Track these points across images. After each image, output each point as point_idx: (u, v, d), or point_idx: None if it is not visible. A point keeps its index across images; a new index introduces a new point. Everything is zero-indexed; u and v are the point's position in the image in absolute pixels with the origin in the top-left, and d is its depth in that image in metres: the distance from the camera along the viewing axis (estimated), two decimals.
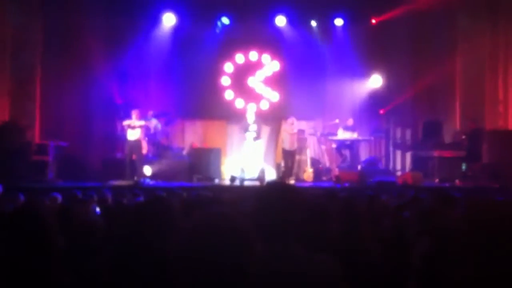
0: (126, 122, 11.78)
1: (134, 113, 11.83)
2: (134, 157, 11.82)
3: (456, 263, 1.91)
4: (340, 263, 2.04)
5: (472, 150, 11.97)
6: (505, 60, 13.06)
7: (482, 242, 2.27)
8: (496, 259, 2.13)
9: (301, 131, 13.23)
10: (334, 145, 13.32)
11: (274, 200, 1.91)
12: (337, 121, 13.25)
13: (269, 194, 1.94)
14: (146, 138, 12.39)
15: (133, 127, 11.69)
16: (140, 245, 2.37)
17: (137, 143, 11.81)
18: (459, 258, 1.90)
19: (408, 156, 13.75)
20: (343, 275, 2.03)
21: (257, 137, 12.78)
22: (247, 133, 12.71)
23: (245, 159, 12.67)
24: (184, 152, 13.11)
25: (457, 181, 11.71)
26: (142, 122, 11.88)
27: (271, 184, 2.12)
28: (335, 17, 14.05)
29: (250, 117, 12.82)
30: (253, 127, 12.73)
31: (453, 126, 13.67)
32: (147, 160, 12.19)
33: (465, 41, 13.48)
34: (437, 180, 11.87)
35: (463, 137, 12.65)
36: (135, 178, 11.35)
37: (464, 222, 2.86)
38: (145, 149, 12.22)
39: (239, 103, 14.05)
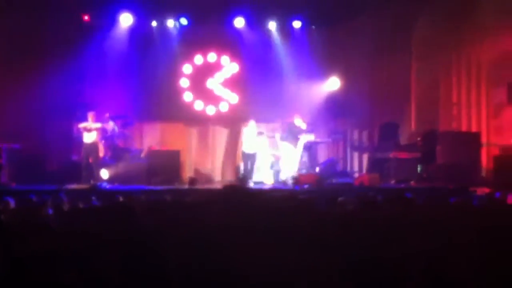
0: (82, 125, 11.58)
1: (90, 115, 11.64)
2: (90, 160, 11.62)
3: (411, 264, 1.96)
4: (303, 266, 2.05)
5: (427, 152, 12.24)
6: (458, 63, 13.43)
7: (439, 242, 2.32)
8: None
9: (260, 133, 13.26)
10: None
11: (231, 204, 1.91)
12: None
13: (226, 198, 1.94)
14: (103, 141, 12.20)
15: (90, 130, 11.51)
16: (100, 249, 2.34)
17: (94, 146, 11.63)
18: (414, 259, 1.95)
19: (365, 157, 13.96)
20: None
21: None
22: (301, 136, 12.66)
23: (295, 161, 12.63)
24: (142, 155, 12.95)
25: (412, 182, 11.96)
26: (99, 125, 11.70)
27: (228, 188, 2.12)
28: (293, 19, 14.15)
29: (298, 121, 12.77)
30: (303, 132, 12.74)
31: (409, 128, 13.99)
32: (104, 163, 12.00)
33: (420, 44, 13.82)
34: (393, 182, 12.09)
35: (418, 139, 12.95)
36: (92, 181, 11.16)
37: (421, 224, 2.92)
38: (102, 152, 12.03)
39: (198, 105, 13.99)
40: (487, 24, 12.69)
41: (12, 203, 6.71)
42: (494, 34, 12.44)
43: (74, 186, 10.69)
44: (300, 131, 12.73)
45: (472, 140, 12.23)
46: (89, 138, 11.58)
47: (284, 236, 1.90)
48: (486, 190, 10.08)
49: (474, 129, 12.97)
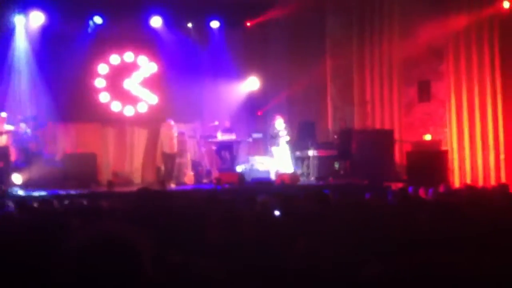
0: None
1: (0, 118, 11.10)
2: (1, 164, 11.06)
3: (333, 262, 2.00)
4: (219, 268, 2.04)
5: (342, 149, 12.59)
6: (371, 63, 13.91)
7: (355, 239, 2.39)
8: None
9: (181, 134, 13.15)
10: (214, 147, 13.38)
11: (143, 207, 1.87)
12: (216, 123, 13.34)
13: (138, 201, 1.90)
14: (14, 144, 11.64)
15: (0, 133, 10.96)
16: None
17: (4, 149, 11.08)
18: (336, 256, 1.99)
19: None
20: (221, 279, 2.03)
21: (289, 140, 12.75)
22: (280, 138, 12.59)
23: (278, 163, 12.58)
24: (57, 158, 12.48)
25: (331, 179, 12.26)
26: (10, 127, 11.16)
27: (140, 191, 2.08)
28: (211, 20, 14.12)
29: (279, 123, 12.67)
30: (283, 132, 12.63)
31: (325, 126, 14.34)
32: (16, 168, 11.45)
33: (334, 45, 14.23)
34: (313, 179, 12.35)
35: (335, 136, 13.30)
36: (3, 187, 10.62)
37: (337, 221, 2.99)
38: (13, 155, 11.47)
39: (116, 106, 13.66)
40: (397, 24, 13.24)
41: None
42: (404, 34, 12.98)
43: None
44: (279, 132, 12.77)
45: (385, 137, 12.68)
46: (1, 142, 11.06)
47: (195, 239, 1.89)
48: (399, 185, 10.52)
49: (387, 126, 13.46)
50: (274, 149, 12.79)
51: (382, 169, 11.82)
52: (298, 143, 13.31)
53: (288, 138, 12.86)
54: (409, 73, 13.35)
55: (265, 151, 14.29)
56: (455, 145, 12.39)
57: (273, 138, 12.85)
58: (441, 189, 7.82)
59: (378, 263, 1.55)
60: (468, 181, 11.84)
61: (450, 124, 12.50)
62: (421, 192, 7.87)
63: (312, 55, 14.23)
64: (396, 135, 13.01)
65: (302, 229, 3.32)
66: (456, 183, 11.75)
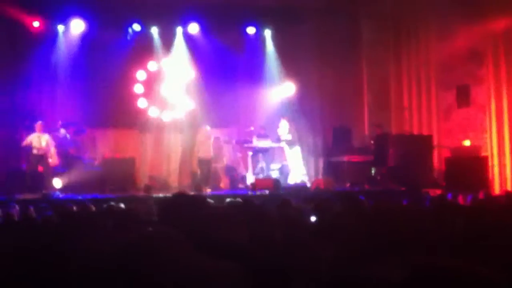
0: (27, 142, 11.30)
1: (38, 126, 11.37)
2: (41, 169, 11.35)
3: (360, 267, 1.98)
4: (248, 270, 2.05)
5: (379, 155, 12.45)
6: (408, 67, 13.75)
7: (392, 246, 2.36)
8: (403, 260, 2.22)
9: (216, 139, 13.24)
10: (249, 153, 13.42)
11: (177, 210, 1.90)
12: (252, 128, 13.38)
13: (172, 205, 1.93)
14: (55, 149, 11.92)
15: (39, 147, 11.25)
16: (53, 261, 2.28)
17: (44, 154, 11.36)
18: (362, 262, 1.98)
19: (320, 161, 14.11)
20: (249, 282, 2.04)
21: (292, 143, 12.81)
22: (281, 143, 12.76)
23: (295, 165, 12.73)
24: (96, 163, 12.72)
25: (366, 185, 12.14)
26: (46, 137, 11.43)
27: (176, 195, 2.11)
28: (247, 26, 14.21)
29: (283, 126, 12.74)
30: (287, 136, 12.78)
31: (361, 131, 14.21)
32: (56, 172, 11.72)
33: (370, 49, 14.10)
34: (348, 185, 12.25)
35: (371, 142, 13.17)
36: (43, 191, 10.88)
37: (370, 226, 2.96)
38: (54, 160, 11.75)
39: (153, 111, 13.86)
40: (434, 27, 13.05)
41: None
42: (442, 38, 12.78)
43: (24, 195, 10.40)
44: (281, 136, 12.83)
45: (423, 143, 12.49)
46: (38, 148, 11.34)
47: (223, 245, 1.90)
48: (438, 191, 10.35)
49: (425, 132, 13.26)
50: (288, 150, 12.79)
51: (420, 175, 11.65)
52: (333, 148, 13.23)
53: (289, 138, 12.81)
54: (447, 78, 13.12)
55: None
56: (495, 151, 12.10)
57: (277, 141, 12.86)
58: (481, 195, 7.68)
59: (408, 267, 1.53)
60: (509, 187, 11.55)
61: (490, 130, 12.21)
62: (460, 199, 7.74)
63: (347, 60, 14.13)
64: (435, 141, 12.81)
65: (337, 235, 3.30)
66: (496, 190, 11.48)
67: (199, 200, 2.01)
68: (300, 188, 11.78)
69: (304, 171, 12.78)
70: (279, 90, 14.34)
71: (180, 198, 2.03)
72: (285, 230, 3.83)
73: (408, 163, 11.96)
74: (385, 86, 13.98)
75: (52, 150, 11.67)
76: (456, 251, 2.52)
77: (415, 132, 13.53)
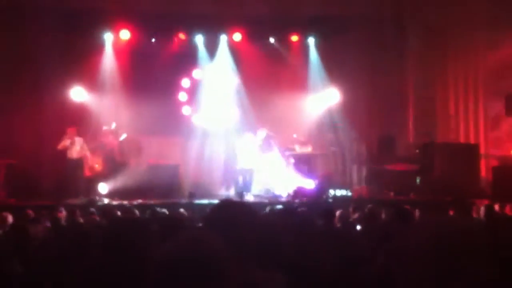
0: (63, 146, 11.62)
1: (71, 131, 11.67)
2: (82, 174, 11.64)
3: (414, 280, 1.94)
4: (293, 280, 2.05)
5: (425, 164, 12.23)
6: (455, 75, 13.47)
7: (439, 257, 2.31)
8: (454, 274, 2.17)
9: (259, 147, 13.25)
10: (291, 160, 13.38)
11: (224, 217, 1.90)
12: (294, 136, 13.35)
13: (219, 212, 1.94)
14: (101, 155, 12.19)
15: (70, 147, 11.58)
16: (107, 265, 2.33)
17: (79, 160, 11.70)
18: (417, 275, 1.94)
19: (364, 169, 13.94)
20: None
21: (266, 150, 12.77)
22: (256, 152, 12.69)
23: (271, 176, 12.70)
24: (141, 169, 12.91)
25: (411, 194, 11.93)
26: (80, 142, 11.73)
27: (223, 202, 2.11)
28: (291, 33, 14.21)
29: (260, 136, 12.77)
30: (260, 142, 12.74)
31: (406, 140, 13.98)
32: (101, 178, 11.98)
33: (416, 56, 13.87)
34: (392, 194, 12.06)
35: (417, 150, 12.94)
36: (90, 196, 11.14)
37: (421, 238, 2.91)
38: (100, 166, 12.01)
39: (197, 119, 14.00)
40: (483, 35, 12.76)
41: (10, 218, 6.71)
42: (490, 46, 12.49)
43: (72, 201, 10.67)
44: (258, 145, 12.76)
45: (470, 152, 12.22)
46: (73, 153, 11.64)
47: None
48: (485, 201, 10.08)
49: (472, 140, 12.96)
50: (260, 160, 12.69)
51: (466, 184, 11.38)
52: (377, 156, 13.07)
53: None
54: (496, 86, 12.80)
55: (343, 165, 14.15)
56: None
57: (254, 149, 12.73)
58: None
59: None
60: None
61: None
62: (508, 210, 7.52)
63: (393, 67, 13.95)
64: (482, 150, 12.49)
65: (383, 245, 3.26)
66: None
67: (245, 207, 2.01)
68: (343, 197, 11.66)
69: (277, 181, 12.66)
70: (322, 97, 14.26)
71: (227, 205, 2.04)
72: (329, 239, 3.81)
73: (454, 172, 11.71)
74: (431, 94, 13.72)
75: (88, 155, 11.95)
76: (506, 263, 2.44)
77: (462, 140, 13.23)
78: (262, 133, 12.73)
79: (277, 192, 12.54)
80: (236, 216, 1.92)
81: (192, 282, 1.60)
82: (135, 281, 2.16)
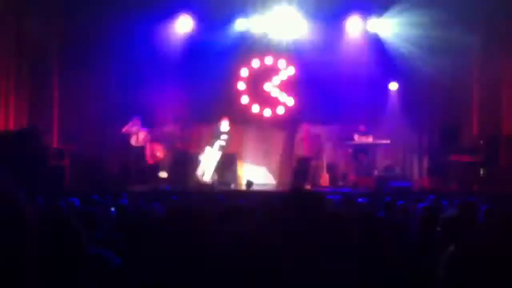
0: (129, 130, 11.98)
1: (134, 122, 11.99)
2: (146, 162, 11.92)
3: (483, 275, 1.89)
4: (360, 272, 2.03)
5: (489, 155, 11.85)
6: None
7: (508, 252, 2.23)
8: None
9: (317, 136, 13.18)
10: (350, 150, 13.24)
11: (301, 209, 1.89)
12: (357, 126, 13.14)
13: (296, 202, 1.92)
14: (163, 144, 12.45)
15: (131, 133, 11.92)
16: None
17: (140, 148, 12.03)
18: (486, 269, 1.88)
19: (425, 160, 13.62)
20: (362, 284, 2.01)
21: (223, 148, 12.66)
22: (217, 141, 12.59)
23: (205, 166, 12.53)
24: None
25: (475, 186, 11.59)
26: (143, 132, 12.07)
27: (297, 192, 2.10)
28: (349, 22, 13.96)
29: (224, 125, 12.71)
30: (224, 136, 12.65)
31: (470, 130, 13.52)
32: (162, 166, 12.24)
33: (481, 43, 13.33)
34: (454, 185, 11.76)
35: (481, 142, 12.52)
36: (153, 183, 11.41)
37: (488, 231, 2.82)
38: (162, 154, 12.27)
39: (255, 108, 14.06)
40: None
41: (77, 203, 6.95)
42: None
43: (136, 187, 10.97)
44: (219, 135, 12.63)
45: None
46: (136, 141, 11.96)
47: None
48: None
49: None
50: (207, 149, 12.43)
51: None
52: (440, 147, 12.74)
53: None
54: None
55: (404, 155, 13.87)
56: None
57: (213, 139, 12.48)
58: None
59: None
60: None
61: None
62: None
63: (456, 56, 13.45)
64: None
65: (448, 239, 3.18)
66: None
67: (318, 197, 1.99)
68: (404, 188, 11.45)
69: (209, 175, 12.40)
70: (383, 87, 13.98)
71: (299, 194, 2.03)
72: (393, 232, 3.76)
73: None
74: (496, 84, 13.20)
75: (148, 145, 12.25)
76: None
77: None
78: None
79: None
80: (307, 206, 1.91)
81: (249, 273, 1.61)
82: (196, 268, 2.19)
